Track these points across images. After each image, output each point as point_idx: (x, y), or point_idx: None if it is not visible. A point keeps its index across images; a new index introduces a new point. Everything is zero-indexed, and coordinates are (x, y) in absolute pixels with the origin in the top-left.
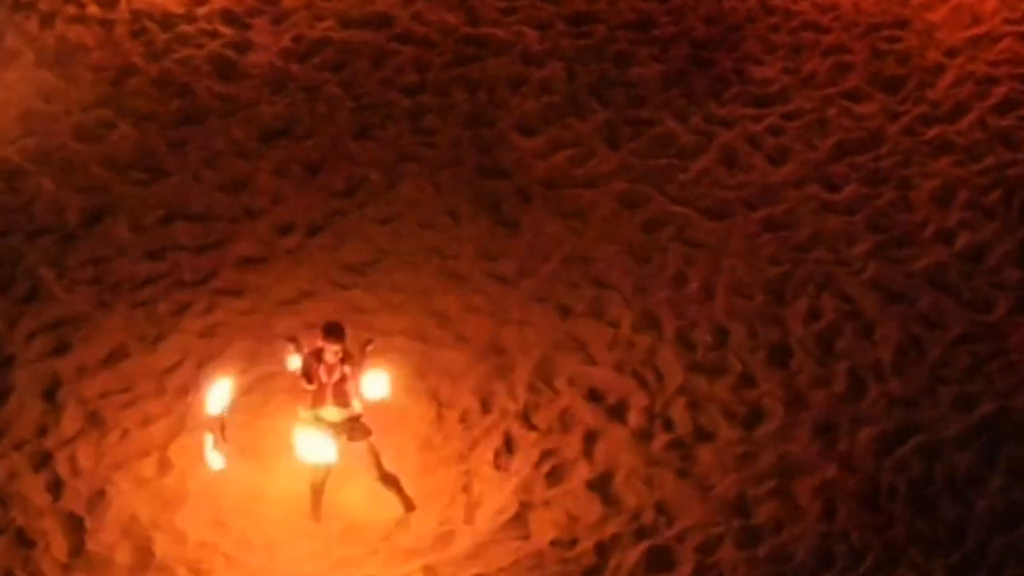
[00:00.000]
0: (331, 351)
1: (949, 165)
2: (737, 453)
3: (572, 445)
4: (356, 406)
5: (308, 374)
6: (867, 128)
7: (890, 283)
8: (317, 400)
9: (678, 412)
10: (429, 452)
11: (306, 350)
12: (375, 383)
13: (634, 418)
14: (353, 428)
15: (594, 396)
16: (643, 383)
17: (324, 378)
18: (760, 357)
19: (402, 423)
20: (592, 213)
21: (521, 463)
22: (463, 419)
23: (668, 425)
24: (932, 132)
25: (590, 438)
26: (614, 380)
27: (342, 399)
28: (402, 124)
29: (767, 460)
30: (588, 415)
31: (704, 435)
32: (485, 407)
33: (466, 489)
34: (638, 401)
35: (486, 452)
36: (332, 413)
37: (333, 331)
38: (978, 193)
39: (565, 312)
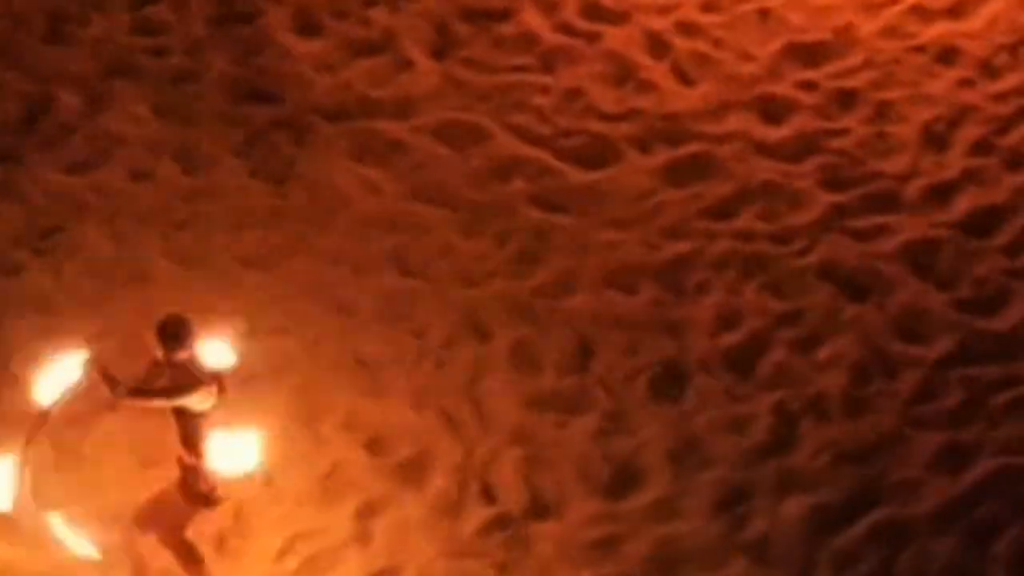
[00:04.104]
0: (170, 360)
1: (952, 85)
2: (594, 537)
3: (339, 523)
4: None
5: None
6: (829, 27)
7: (850, 269)
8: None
9: (507, 472)
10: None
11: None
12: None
13: (438, 481)
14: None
15: (377, 447)
16: (455, 426)
17: None
18: (640, 386)
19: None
20: (399, 158)
21: (259, 548)
22: None
23: (489, 493)
24: (929, 33)
25: (367, 512)
26: (411, 421)
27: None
28: (114, 18)
29: (640, 548)
30: (366, 476)
31: (544, 509)
32: None
33: None
34: (446, 455)
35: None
36: None
37: (174, 331)
38: (994, 129)
39: (346, 313)
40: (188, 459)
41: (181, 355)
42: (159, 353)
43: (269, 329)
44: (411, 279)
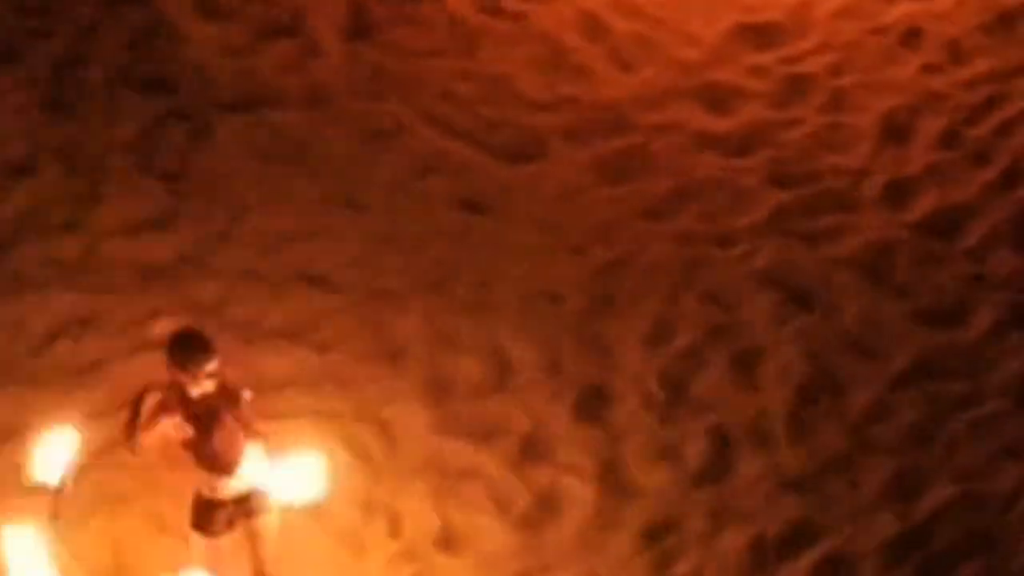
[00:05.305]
0: (200, 379)
1: (916, 72)
2: (511, 572)
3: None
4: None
5: (195, 422)
6: (782, 6)
7: (798, 275)
8: (215, 467)
9: (416, 502)
10: None
11: (150, 393)
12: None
13: (341, 511)
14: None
15: None
16: (360, 451)
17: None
18: (565, 406)
19: None
20: (309, 151)
21: None
22: None
23: (396, 523)
24: (892, 13)
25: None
26: (312, 446)
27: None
28: None
29: None
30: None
31: (457, 542)
32: None
33: None
34: (350, 482)
35: None
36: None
37: (194, 345)
38: (961, 120)
39: (247, 327)
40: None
41: (212, 367)
42: (195, 371)
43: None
44: (318, 289)
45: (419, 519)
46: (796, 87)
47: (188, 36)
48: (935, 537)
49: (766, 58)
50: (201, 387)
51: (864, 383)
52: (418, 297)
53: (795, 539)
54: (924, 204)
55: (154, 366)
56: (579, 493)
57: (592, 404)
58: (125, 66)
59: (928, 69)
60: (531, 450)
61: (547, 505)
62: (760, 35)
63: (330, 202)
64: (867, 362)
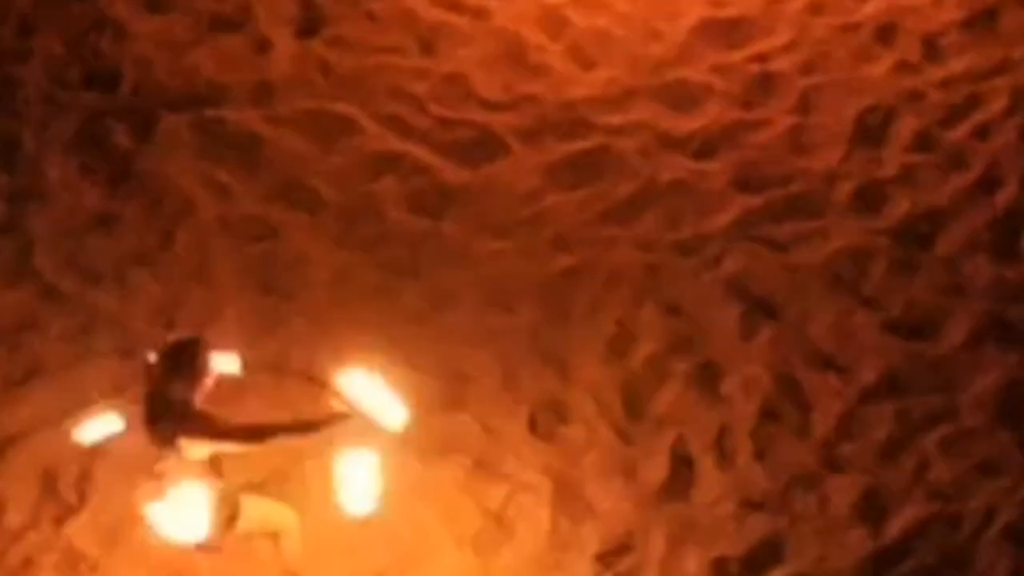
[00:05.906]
0: (209, 380)
1: (890, 71)
2: None
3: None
4: None
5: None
6: (751, 1)
7: (765, 284)
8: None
9: (364, 522)
10: None
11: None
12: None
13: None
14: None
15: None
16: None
17: None
18: (518, 423)
19: None
20: (253, 154)
21: None
22: None
23: (345, 546)
24: (866, 8)
25: (213, 567)
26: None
27: None
28: None
29: None
30: None
31: (404, 560)
32: None
33: None
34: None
35: None
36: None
37: (193, 350)
38: (937, 121)
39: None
40: None
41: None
42: (205, 381)
43: (107, 351)
44: (268, 295)
45: (369, 540)
46: (764, 86)
47: (131, 30)
48: (908, 557)
49: (733, 56)
50: (206, 389)
51: (833, 397)
52: (368, 305)
53: (760, 560)
54: (898, 209)
55: (96, 374)
56: (534, 512)
57: (548, 419)
58: (66, 61)
59: (903, 67)
60: (485, 467)
61: (501, 526)
62: (727, 31)
63: (275, 204)
64: (836, 375)
